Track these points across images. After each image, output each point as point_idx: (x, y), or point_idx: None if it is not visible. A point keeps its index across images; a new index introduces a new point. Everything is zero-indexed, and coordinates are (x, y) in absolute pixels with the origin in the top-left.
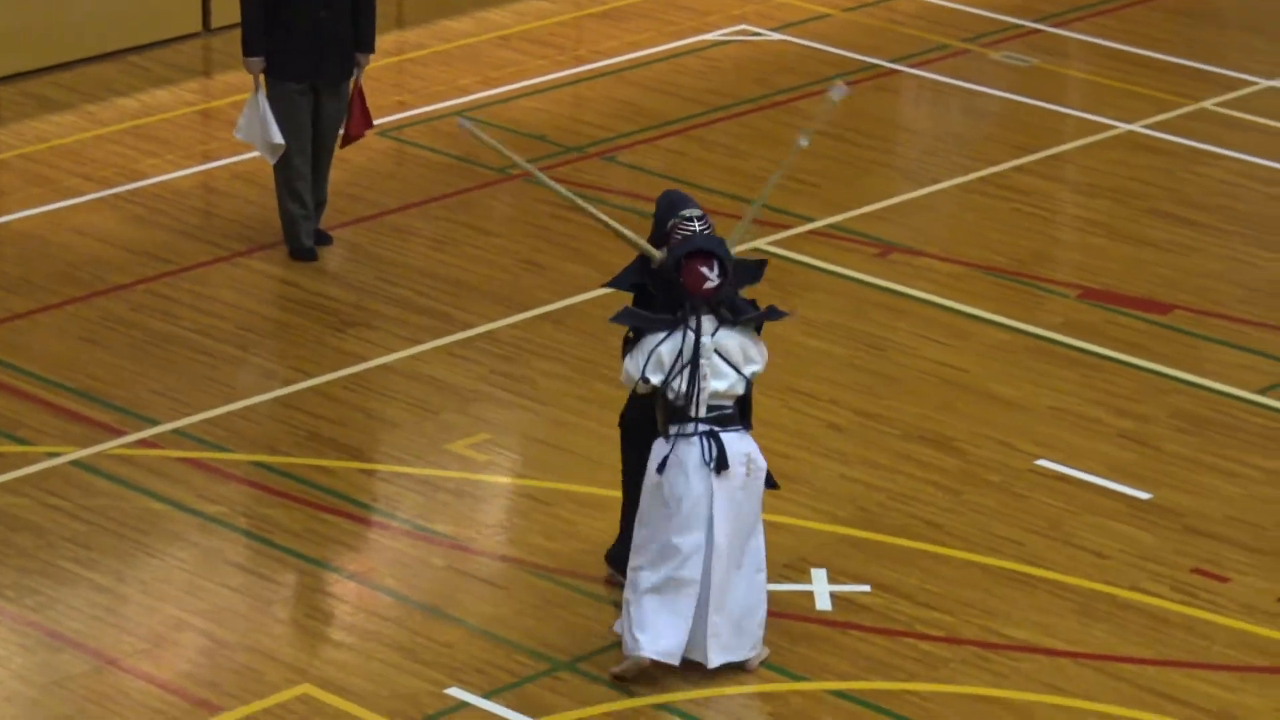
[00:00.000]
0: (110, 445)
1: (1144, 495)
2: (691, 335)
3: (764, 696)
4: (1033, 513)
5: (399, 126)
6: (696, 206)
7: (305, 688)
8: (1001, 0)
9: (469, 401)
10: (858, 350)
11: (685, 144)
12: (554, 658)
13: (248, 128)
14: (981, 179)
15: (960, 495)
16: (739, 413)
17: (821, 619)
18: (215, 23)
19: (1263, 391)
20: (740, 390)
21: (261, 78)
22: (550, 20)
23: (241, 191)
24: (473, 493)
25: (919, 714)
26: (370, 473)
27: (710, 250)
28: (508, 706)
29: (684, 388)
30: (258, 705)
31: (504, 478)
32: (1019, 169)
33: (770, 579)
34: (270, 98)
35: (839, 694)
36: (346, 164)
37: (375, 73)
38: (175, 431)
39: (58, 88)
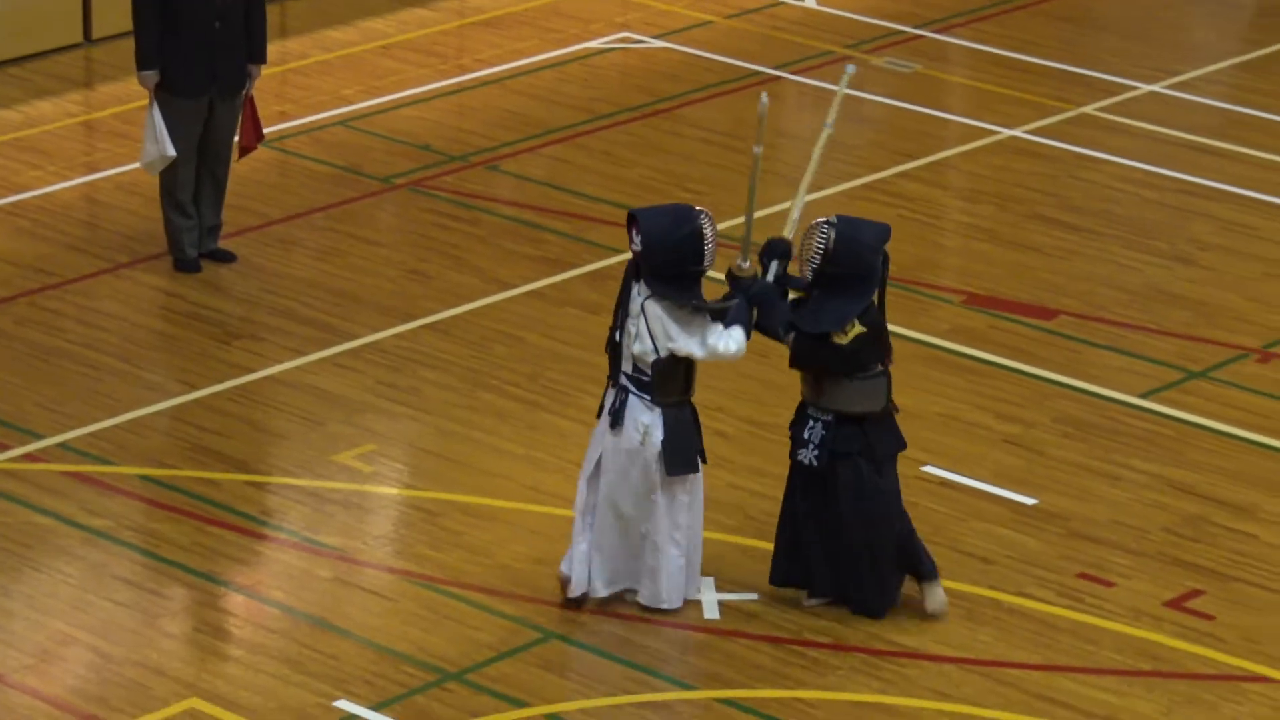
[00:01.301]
0: None
1: (1029, 500)
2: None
3: (653, 705)
4: (919, 519)
5: (282, 137)
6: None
7: (193, 701)
8: (884, 6)
9: (355, 412)
10: (744, 358)
11: (569, 152)
12: (442, 668)
13: (146, 143)
14: (866, 185)
15: None
16: (655, 383)
17: (709, 628)
18: (96, 33)
19: (1145, 395)
20: (650, 359)
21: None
22: (433, 29)
23: (125, 203)
24: (360, 504)
25: None
26: (257, 485)
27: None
28: (396, 718)
29: (618, 340)
30: (147, 719)
31: (391, 489)
32: (903, 175)
33: None
34: (164, 109)
35: (727, 702)
36: (230, 175)
37: (259, 83)
38: (60, 445)
39: None
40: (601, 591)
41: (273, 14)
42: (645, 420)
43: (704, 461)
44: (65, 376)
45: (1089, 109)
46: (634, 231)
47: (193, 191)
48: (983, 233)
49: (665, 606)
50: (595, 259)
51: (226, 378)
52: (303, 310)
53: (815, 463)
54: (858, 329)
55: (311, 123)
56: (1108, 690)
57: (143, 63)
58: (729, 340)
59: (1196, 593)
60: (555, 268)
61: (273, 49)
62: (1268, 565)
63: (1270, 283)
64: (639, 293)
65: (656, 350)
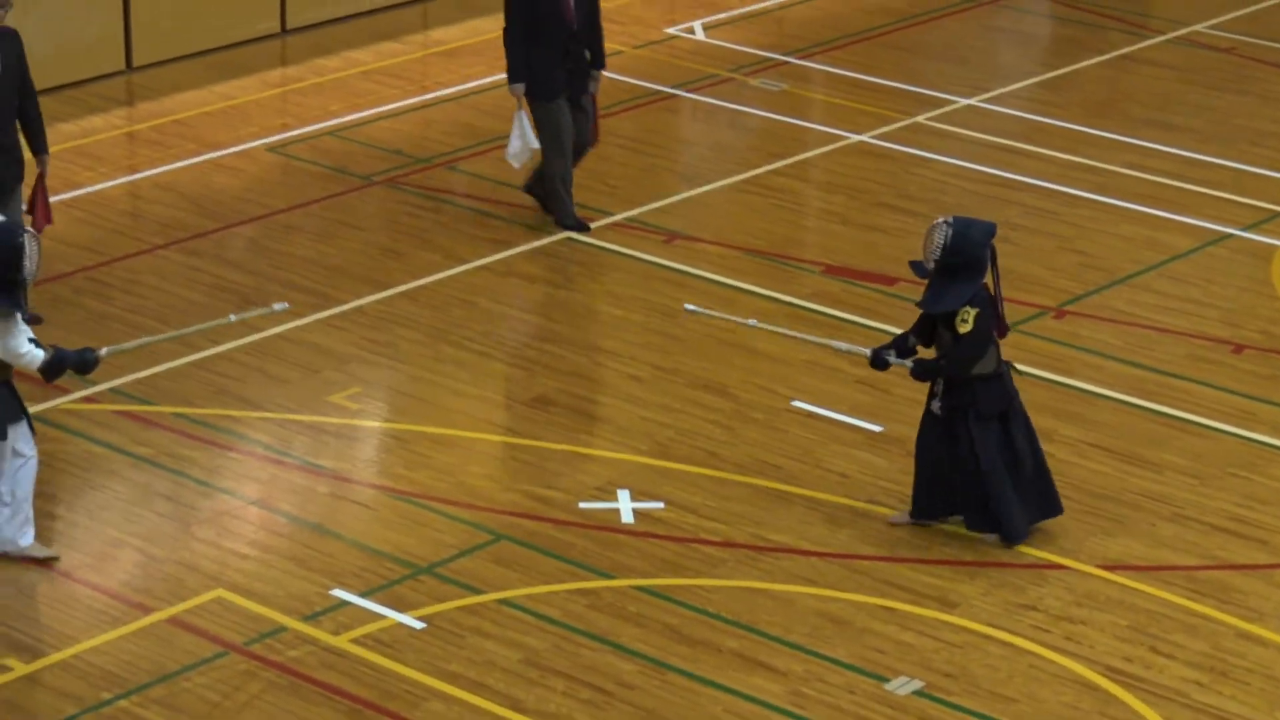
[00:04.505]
0: (60, 401)
1: (877, 428)
2: None
3: (582, 592)
4: (790, 443)
5: (284, 144)
6: (945, 219)
7: (219, 591)
8: (758, 38)
9: (345, 362)
10: (651, 317)
11: None
12: (415, 564)
13: (512, 140)
14: (745, 180)
15: (733, 430)
16: None
17: (626, 530)
18: (136, 62)
19: None
20: None
21: (523, 99)
22: (403, 58)
23: (161, 198)
24: (349, 434)
25: (703, 603)
26: (268, 420)
27: None
28: (379, 603)
29: None
30: (182, 606)
31: (374, 422)
32: (774, 172)
33: (584, 500)
34: (535, 112)
35: (641, 589)
36: (242, 174)
37: (264, 101)
38: (112, 390)
39: None
40: None
41: (275, 46)
42: None
43: (33, 432)
44: (114, 335)
45: (920, 119)
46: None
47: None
48: (837, 217)
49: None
50: (533, 239)
51: (242, 335)
52: (302, 281)
53: (941, 412)
54: (974, 312)
55: (308, 133)
56: (939, 576)
57: (513, 76)
58: (21, 355)
59: None
60: (501, 246)
61: (276, 74)
62: (1062, 477)
63: (1064, 255)
64: None
65: None
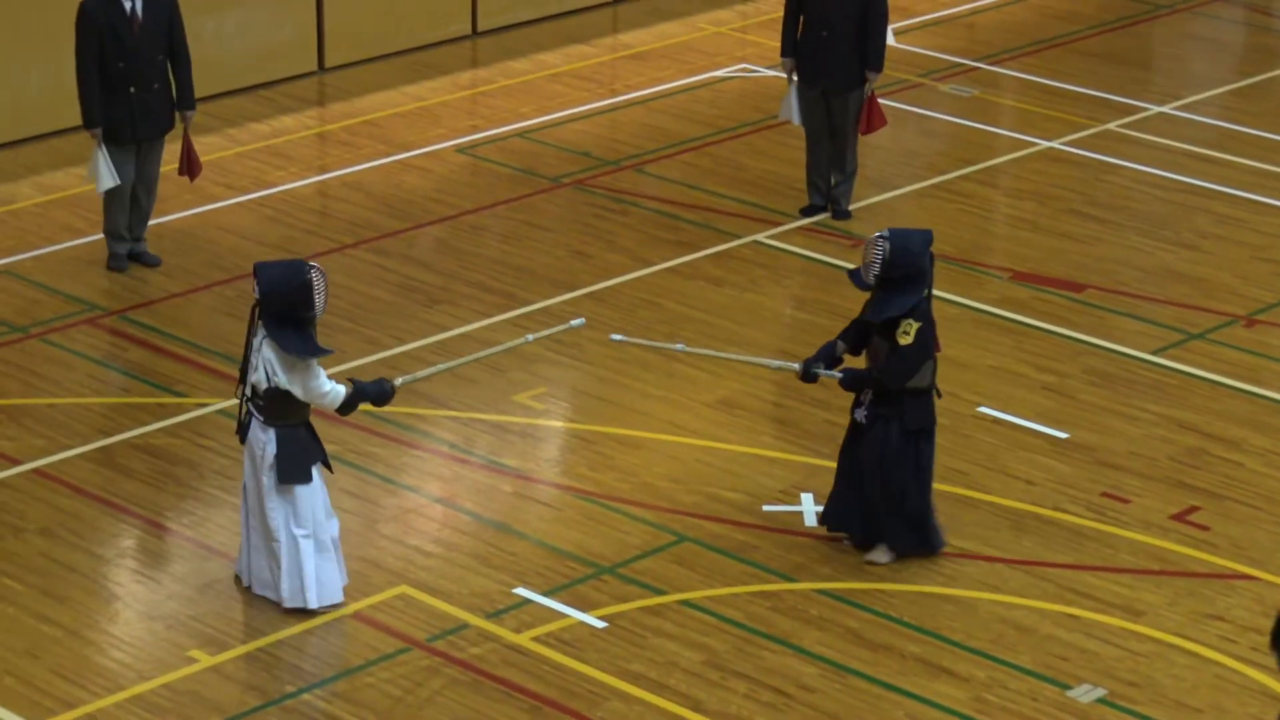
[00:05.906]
0: None
1: (1063, 435)
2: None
3: (764, 594)
4: (975, 449)
5: (473, 145)
6: (880, 233)
7: (403, 588)
8: (948, 44)
9: (530, 362)
10: (836, 321)
11: (699, 158)
12: (598, 564)
13: (787, 111)
14: (933, 185)
15: None
16: (266, 408)
17: (809, 533)
18: (328, 63)
19: (1155, 352)
20: (263, 388)
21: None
22: (592, 61)
23: (350, 197)
24: (534, 434)
25: (886, 608)
26: (453, 419)
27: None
28: (562, 602)
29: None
30: (366, 602)
31: (558, 422)
32: (963, 178)
33: (768, 502)
34: (798, 94)
35: (823, 592)
36: (431, 175)
37: (454, 102)
38: None
39: (205, 115)
40: (246, 582)
41: (465, 48)
42: (262, 438)
43: (329, 470)
44: None
45: (1111, 125)
46: (256, 281)
47: (825, 160)
48: (1026, 223)
49: (288, 604)
50: (720, 242)
51: (429, 334)
52: (489, 281)
53: (864, 420)
54: (915, 326)
55: (497, 134)
56: (1124, 585)
57: (782, 51)
58: (324, 396)
59: (1195, 509)
60: (688, 249)
61: (466, 76)
62: (1252, 487)
63: (1255, 264)
64: (258, 333)
65: (268, 381)
